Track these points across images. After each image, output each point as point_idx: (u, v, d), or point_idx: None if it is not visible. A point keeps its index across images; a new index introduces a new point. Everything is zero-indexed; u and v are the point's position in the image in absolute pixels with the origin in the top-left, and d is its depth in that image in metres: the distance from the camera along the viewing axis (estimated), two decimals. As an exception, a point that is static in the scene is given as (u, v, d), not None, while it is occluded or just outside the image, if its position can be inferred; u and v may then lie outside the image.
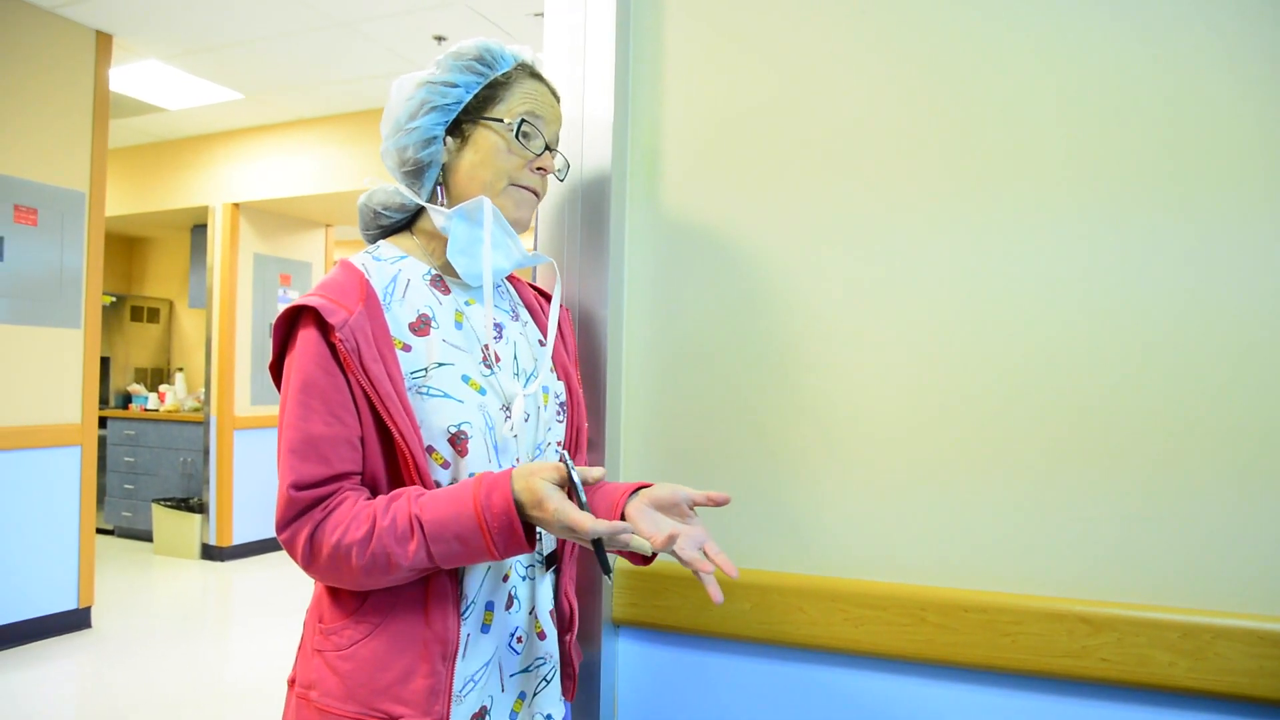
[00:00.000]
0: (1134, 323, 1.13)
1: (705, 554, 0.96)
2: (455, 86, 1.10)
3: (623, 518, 1.02)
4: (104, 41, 4.34)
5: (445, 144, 1.12)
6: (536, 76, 1.15)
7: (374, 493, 1.02)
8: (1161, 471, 1.11)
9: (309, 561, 0.99)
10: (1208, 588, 1.09)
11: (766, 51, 1.34)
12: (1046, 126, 1.18)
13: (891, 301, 1.25)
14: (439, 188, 1.13)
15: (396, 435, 0.98)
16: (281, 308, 0.99)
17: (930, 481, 1.23)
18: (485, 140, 1.11)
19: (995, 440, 1.19)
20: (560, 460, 0.96)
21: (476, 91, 1.11)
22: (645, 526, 0.98)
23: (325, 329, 0.99)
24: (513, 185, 1.12)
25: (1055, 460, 1.16)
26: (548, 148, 1.14)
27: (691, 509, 1.02)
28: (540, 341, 1.20)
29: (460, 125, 1.11)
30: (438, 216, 1.11)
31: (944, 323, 1.22)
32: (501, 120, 1.10)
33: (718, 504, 1.01)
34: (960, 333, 1.21)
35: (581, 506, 0.92)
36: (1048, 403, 1.17)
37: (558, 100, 1.18)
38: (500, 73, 1.12)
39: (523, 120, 1.10)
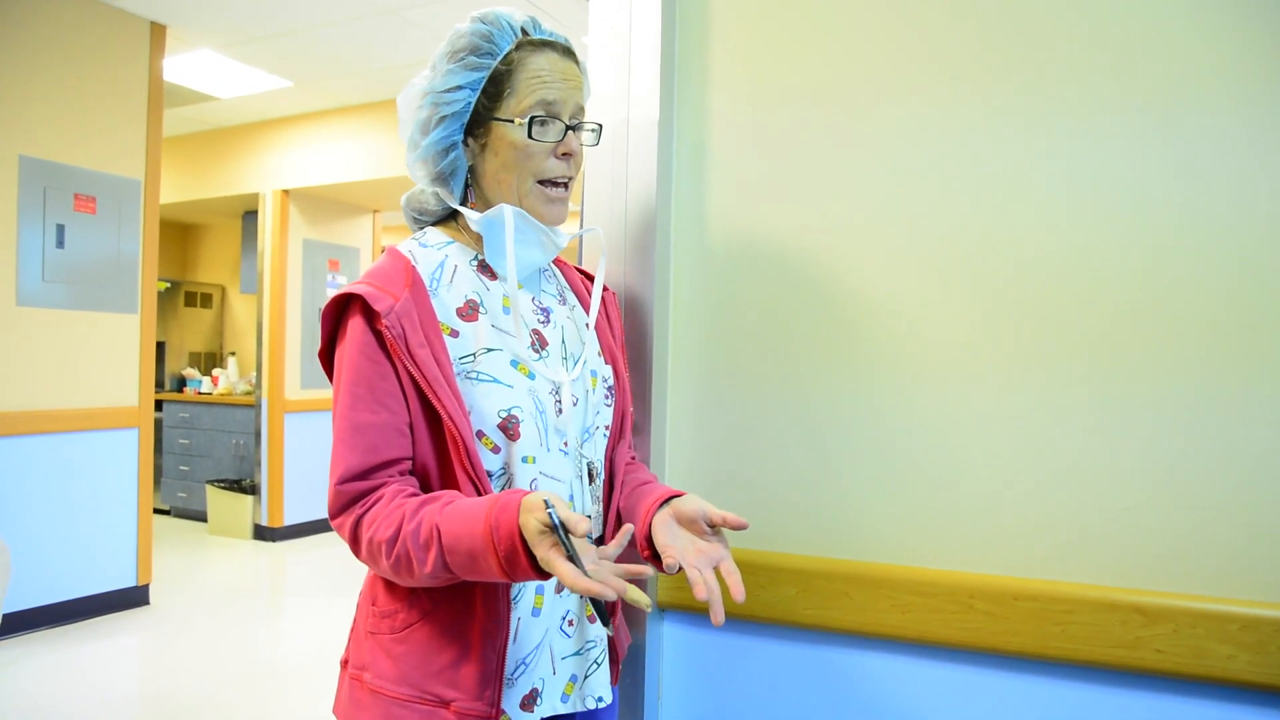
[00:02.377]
0: (1188, 296, 1.10)
1: (719, 572, 0.98)
2: (460, 89, 1.07)
3: (650, 529, 1.05)
4: (158, 32, 4.42)
5: (467, 146, 1.10)
6: (540, 45, 1.08)
7: (425, 480, 1.04)
8: (1222, 458, 1.08)
9: (354, 552, 1.01)
10: (1271, 580, 1.06)
11: (813, 40, 1.32)
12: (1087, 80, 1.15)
13: (938, 287, 1.23)
14: (470, 189, 1.13)
15: (445, 419, 0.98)
16: (330, 293, 1.00)
17: (979, 466, 1.21)
18: (502, 141, 1.07)
19: (1045, 424, 1.17)
20: (545, 507, 0.86)
21: (483, 87, 1.07)
22: (662, 538, 1.02)
23: (371, 317, 1.00)
24: (539, 183, 1.08)
25: (1108, 445, 1.14)
26: (570, 128, 1.08)
27: (711, 527, 1.02)
28: (587, 325, 1.21)
29: (477, 125, 1.08)
30: (471, 222, 1.10)
31: (991, 308, 1.20)
32: (512, 120, 1.06)
33: (734, 528, 1.00)
34: (1008, 315, 1.19)
35: (570, 556, 0.85)
36: (1099, 383, 1.14)
37: (572, 58, 1.10)
38: (500, 57, 1.06)
39: (533, 117, 1.05)
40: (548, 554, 0.85)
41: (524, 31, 1.09)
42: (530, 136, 1.05)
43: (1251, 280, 1.07)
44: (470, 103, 1.07)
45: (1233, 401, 1.08)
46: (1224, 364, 1.08)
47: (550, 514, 0.85)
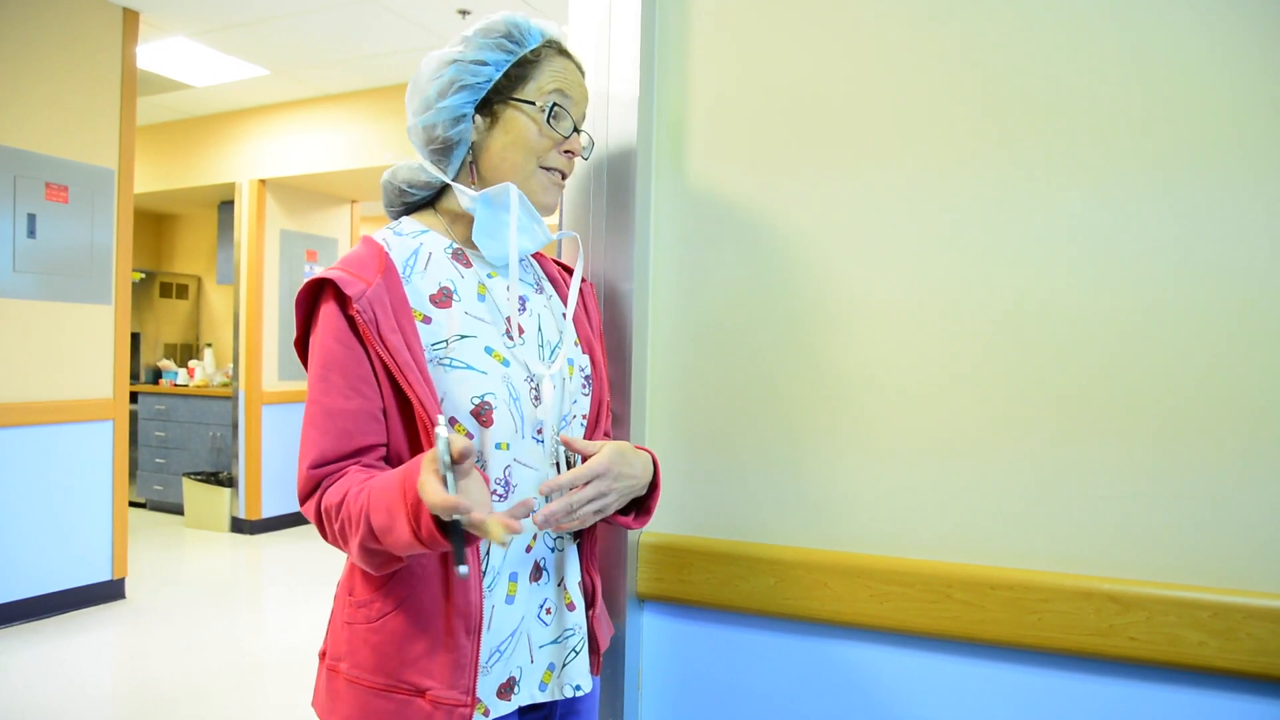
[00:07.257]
0: (1160, 293, 1.11)
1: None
2: (485, 65, 1.09)
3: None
4: (131, 18, 4.36)
5: (475, 122, 1.11)
6: (564, 53, 1.15)
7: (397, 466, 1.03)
8: (1194, 448, 1.10)
9: (321, 533, 1.01)
10: (1240, 567, 1.08)
11: (794, 24, 1.32)
12: (1071, 101, 1.15)
13: (914, 278, 1.24)
14: (468, 166, 1.13)
15: (416, 405, 0.98)
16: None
17: (956, 457, 1.22)
18: (515, 122, 1.10)
19: (1021, 415, 1.18)
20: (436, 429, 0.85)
21: (506, 69, 1.10)
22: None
23: (344, 302, 1.00)
24: (542, 168, 1.12)
25: (1083, 435, 1.15)
26: (576, 129, 1.14)
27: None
28: (564, 315, 1.20)
29: (490, 104, 1.11)
30: (464, 198, 1.11)
31: (968, 298, 1.21)
32: (533, 103, 1.10)
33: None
34: (985, 308, 1.20)
35: (445, 483, 0.82)
36: (1074, 376, 1.15)
37: (583, 75, 1.18)
38: (529, 50, 1.11)
39: (554, 103, 1.10)
40: (426, 476, 0.83)
41: (552, 39, 1.14)
42: (547, 121, 1.09)
43: (1240, 282, 1.08)
44: (492, 80, 1.10)
45: (1208, 397, 1.09)
46: (1200, 359, 1.10)
47: (436, 434, 0.83)
